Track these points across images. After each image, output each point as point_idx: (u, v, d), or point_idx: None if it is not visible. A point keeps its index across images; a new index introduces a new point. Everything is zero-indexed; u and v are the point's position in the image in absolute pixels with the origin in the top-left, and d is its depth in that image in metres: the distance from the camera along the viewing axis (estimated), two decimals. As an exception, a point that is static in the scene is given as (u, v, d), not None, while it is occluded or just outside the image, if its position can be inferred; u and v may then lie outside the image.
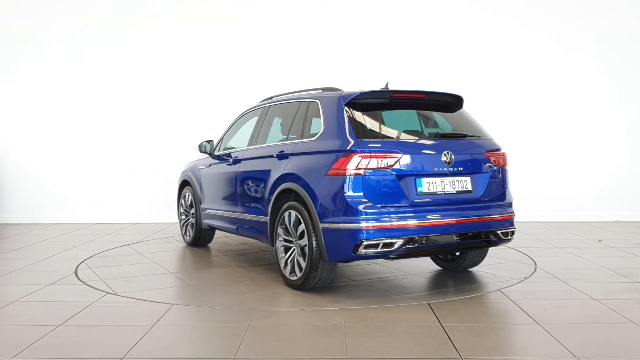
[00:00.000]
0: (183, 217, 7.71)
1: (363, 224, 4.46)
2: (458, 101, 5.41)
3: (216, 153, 6.89)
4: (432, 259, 5.98)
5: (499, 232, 4.94)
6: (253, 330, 3.92)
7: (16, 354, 3.49)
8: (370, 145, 4.65)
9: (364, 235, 4.46)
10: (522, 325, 4.04)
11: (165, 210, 9.89)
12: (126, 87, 10.14)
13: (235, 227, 6.27)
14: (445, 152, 4.80)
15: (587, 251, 6.88)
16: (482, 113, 9.92)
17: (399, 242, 4.49)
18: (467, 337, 3.76)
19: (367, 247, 4.46)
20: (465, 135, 5.14)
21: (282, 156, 5.37)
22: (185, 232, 7.62)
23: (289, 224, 5.08)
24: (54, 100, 10.16)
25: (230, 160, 6.46)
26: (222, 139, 6.97)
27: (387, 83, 5.50)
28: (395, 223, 4.51)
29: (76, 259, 6.57)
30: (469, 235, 4.82)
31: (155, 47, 10.15)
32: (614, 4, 9.95)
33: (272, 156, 5.54)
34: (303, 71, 9.80)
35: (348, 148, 4.62)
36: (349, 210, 4.52)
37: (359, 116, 4.90)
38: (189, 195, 7.51)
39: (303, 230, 4.88)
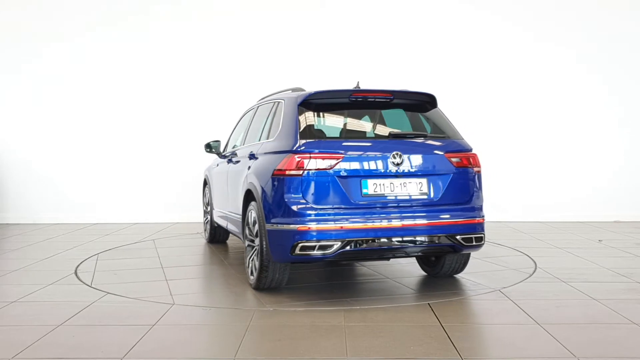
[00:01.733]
0: (203, 215, 8.02)
1: (299, 226, 4.42)
2: (431, 100, 5.19)
3: (223, 152, 6.99)
4: (418, 262, 5.78)
5: (458, 237, 4.65)
6: (253, 330, 3.92)
7: (16, 354, 3.49)
8: (311, 146, 4.59)
9: (300, 237, 4.40)
10: (522, 325, 4.04)
11: (165, 211, 9.90)
12: (127, 87, 10.13)
13: (226, 225, 6.47)
14: (395, 153, 4.62)
15: (587, 251, 6.88)
16: (482, 113, 9.98)
17: (336, 244, 4.40)
18: (467, 337, 3.76)
19: (303, 248, 4.41)
20: (423, 136, 4.96)
21: (251, 156, 5.43)
22: (205, 229, 7.93)
23: (250, 224, 5.12)
24: (55, 101, 10.15)
25: (226, 160, 6.58)
26: (229, 138, 7.07)
27: (358, 82, 5.49)
28: (332, 225, 4.42)
29: (76, 259, 6.57)
30: (420, 240, 4.61)
31: (155, 48, 10.14)
32: (614, 4, 9.97)
33: (245, 157, 5.63)
34: (307, 70, 9.79)
35: (291, 149, 4.61)
36: (287, 211, 4.51)
37: (310, 116, 4.88)
38: (206, 193, 7.80)
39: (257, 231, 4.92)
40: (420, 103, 5.21)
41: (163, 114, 10.10)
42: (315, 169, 4.50)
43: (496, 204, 9.89)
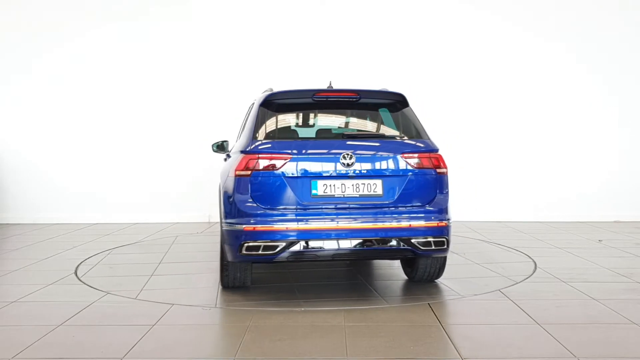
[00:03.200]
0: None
1: (245, 226, 4.43)
2: (400, 100, 5.06)
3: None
4: (401, 265, 5.65)
5: (414, 241, 4.49)
6: (253, 330, 3.92)
7: (16, 354, 3.49)
8: (261, 146, 4.61)
9: (246, 237, 4.42)
10: (522, 325, 4.04)
11: (165, 211, 9.89)
12: (127, 88, 10.12)
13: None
14: (345, 153, 4.53)
15: (587, 251, 6.88)
16: (482, 113, 9.98)
17: (281, 245, 4.38)
18: (467, 337, 3.76)
19: (248, 248, 4.42)
20: (379, 136, 4.91)
21: (227, 157, 5.55)
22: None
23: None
24: (55, 101, 10.14)
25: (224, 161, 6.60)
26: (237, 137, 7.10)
27: (330, 82, 5.48)
28: (278, 226, 4.40)
29: (76, 259, 6.57)
30: (372, 243, 4.49)
31: (155, 47, 10.13)
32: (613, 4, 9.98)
33: (226, 156, 5.76)
34: (308, 69, 9.78)
35: (244, 149, 4.66)
36: (237, 211, 4.54)
37: (270, 116, 4.91)
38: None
39: None
40: (390, 103, 5.09)
41: (164, 115, 10.09)
42: (263, 170, 4.52)
43: (496, 204, 9.92)
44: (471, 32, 10.03)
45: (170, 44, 10.13)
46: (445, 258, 5.06)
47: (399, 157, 4.64)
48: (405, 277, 5.48)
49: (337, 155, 4.53)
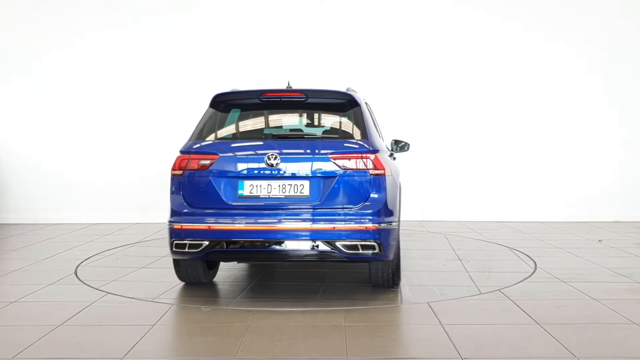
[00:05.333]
0: None
1: (174, 224, 4.58)
2: (349, 100, 4.94)
3: None
4: None
5: (338, 243, 4.37)
6: (253, 330, 3.92)
7: (16, 354, 3.49)
8: (194, 146, 4.73)
9: (174, 235, 4.57)
10: (522, 325, 4.04)
11: (166, 211, 9.86)
12: (127, 88, 10.12)
13: None
14: (270, 154, 4.50)
15: (587, 251, 6.88)
16: (482, 114, 9.98)
17: (204, 244, 4.46)
18: (467, 337, 3.76)
19: (177, 246, 4.55)
20: (311, 136, 4.88)
21: None
22: None
23: None
24: (56, 101, 10.14)
25: None
26: None
27: (288, 82, 5.47)
28: (202, 225, 4.48)
29: (76, 259, 6.57)
30: (296, 244, 4.43)
31: (155, 48, 10.13)
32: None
33: None
34: (308, 68, 9.78)
35: (181, 149, 4.78)
36: (171, 210, 4.70)
37: (213, 117, 4.99)
38: None
39: None
40: (339, 103, 5.00)
41: (164, 115, 10.08)
42: (193, 169, 4.64)
43: (496, 204, 9.91)
44: (471, 32, 10.02)
45: (170, 45, 10.13)
46: (396, 263, 4.89)
47: (327, 157, 4.53)
48: (404, 278, 5.48)
49: (263, 156, 4.54)
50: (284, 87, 5.28)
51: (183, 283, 5.35)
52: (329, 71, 9.73)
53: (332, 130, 5.10)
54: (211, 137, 4.87)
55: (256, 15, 10.13)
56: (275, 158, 4.50)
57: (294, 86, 5.28)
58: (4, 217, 10.01)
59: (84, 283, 5.39)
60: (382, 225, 4.49)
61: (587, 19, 9.96)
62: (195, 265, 5.03)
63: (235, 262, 6.11)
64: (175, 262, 5.01)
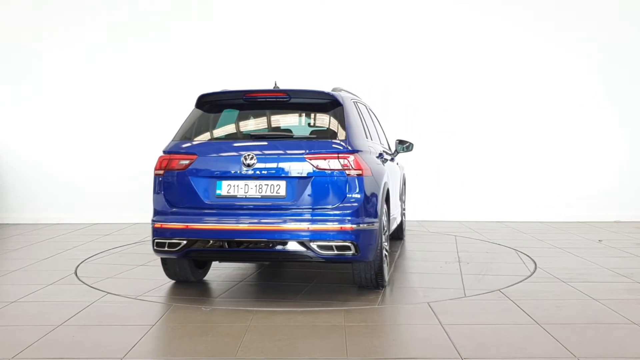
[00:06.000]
0: None
1: (155, 223, 4.70)
2: (331, 100, 4.90)
3: None
4: None
5: (313, 244, 4.36)
6: (253, 330, 3.92)
7: (16, 354, 3.49)
8: (175, 147, 4.80)
9: (155, 234, 4.68)
10: (522, 325, 4.04)
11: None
12: (127, 89, 10.12)
13: None
14: (247, 154, 4.53)
15: (587, 251, 6.88)
16: (482, 114, 9.98)
17: (182, 243, 4.54)
18: (467, 337, 3.76)
19: (157, 245, 4.66)
20: (288, 136, 4.89)
21: None
22: None
23: None
24: (55, 101, 10.14)
25: None
26: None
27: (275, 82, 5.47)
28: (180, 224, 4.56)
29: (76, 259, 6.57)
30: (273, 244, 4.43)
31: (155, 49, 10.14)
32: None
33: None
34: (308, 68, 9.79)
35: (164, 149, 4.83)
36: (153, 209, 4.79)
37: (197, 117, 5.02)
38: None
39: None
40: (321, 103, 4.98)
41: (164, 115, 10.07)
42: (173, 169, 4.71)
43: (496, 204, 9.92)
44: (471, 32, 10.03)
45: (170, 45, 10.14)
46: (379, 264, 4.82)
47: (303, 157, 4.52)
48: (404, 277, 5.48)
49: (239, 156, 4.57)
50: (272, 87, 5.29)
51: (183, 283, 5.35)
52: (329, 71, 9.73)
53: (313, 130, 5.11)
54: (194, 137, 4.90)
55: (256, 16, 10.13)
56: (252, 158, 4.53)
57: (284, 87, 5.26)
58: (4, 217, 10.02)
59: (84, 283, 5.39)
60: (360, 225, 4.47)
61: (587, 19, 9.97)
62: (182, 264, 5.08)
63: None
64: (163, 260, 5.07)
